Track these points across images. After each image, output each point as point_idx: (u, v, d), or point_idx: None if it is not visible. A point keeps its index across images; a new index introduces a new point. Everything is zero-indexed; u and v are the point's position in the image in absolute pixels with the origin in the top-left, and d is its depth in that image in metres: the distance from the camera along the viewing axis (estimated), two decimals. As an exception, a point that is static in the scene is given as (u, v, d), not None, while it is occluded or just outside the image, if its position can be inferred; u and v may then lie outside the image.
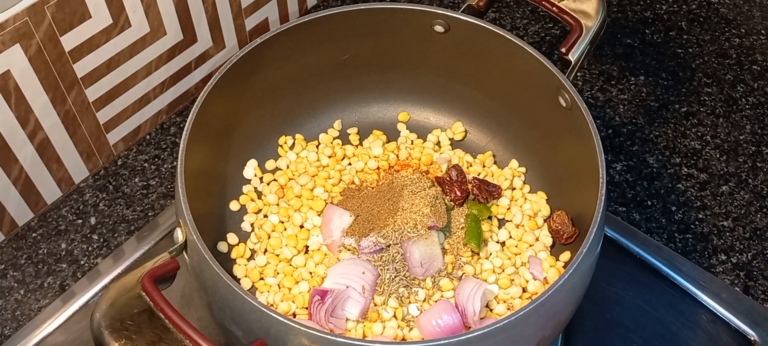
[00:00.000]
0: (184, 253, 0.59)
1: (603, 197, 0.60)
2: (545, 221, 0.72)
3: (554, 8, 0.70)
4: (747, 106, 0.87)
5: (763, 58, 0.92)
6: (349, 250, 0.69)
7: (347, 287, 0.65)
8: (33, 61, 0.67)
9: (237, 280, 0.68)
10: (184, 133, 0.62)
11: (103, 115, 0.77)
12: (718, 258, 0.75)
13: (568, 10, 0.69)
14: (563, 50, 0.67)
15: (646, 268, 0.74)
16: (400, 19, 0.71)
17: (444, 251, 0.69)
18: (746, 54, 0.92)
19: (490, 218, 0.72)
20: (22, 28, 0.65)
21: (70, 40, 0.69)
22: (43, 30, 0.67)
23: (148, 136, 0.84)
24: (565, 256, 0.69)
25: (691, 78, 0.90)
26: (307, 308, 0.65)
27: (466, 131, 0.78)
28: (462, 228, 0.70)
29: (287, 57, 0.71)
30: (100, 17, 0.70)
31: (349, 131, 0.78)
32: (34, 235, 0.76)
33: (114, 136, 0.80)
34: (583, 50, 0.67)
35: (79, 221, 0.77)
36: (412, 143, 0.78)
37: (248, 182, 0.75)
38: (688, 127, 0.86)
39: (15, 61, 0.66)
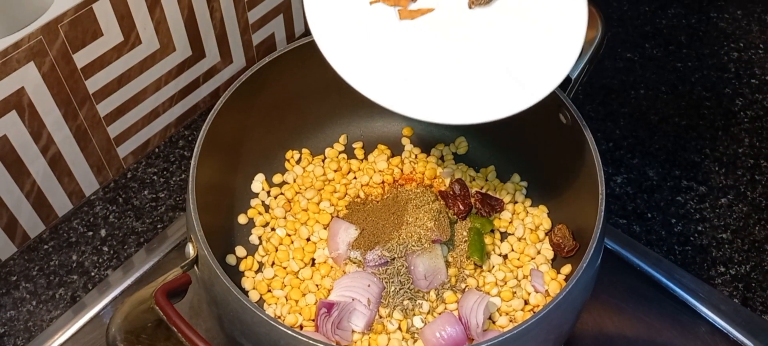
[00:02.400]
0: (194, 266, 0.60)
1: (602, 213, 0.61)
2: (547, 234, 0.73)
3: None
4: (746, 120, 0.88)
5: (761, 71, 0.93)
6: (354, 263, 0.70)
7: (353, 300, 0.66)
8: (46, 78, 0.69)
9: (245, 292, 0.70)
10: (195, 150, 0.63)
11: (114, 130, 0.79)
12: (717, 270, 0.76)
13: (568, 28, 0.70)
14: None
15: (646, 280, 0.75)
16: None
17: (447, 264, 0.70)
18: (745, 68, 0.93)
19: (492, 231, 0.73)
20: (36, 47, 0.66)
21: (82, 58, 0.71)
22: (56, 48, 0.68)
23: (157, 150, 0.85)
24: (566, 269, 0.70)
25: (691, 91, 0.91)
26: (313, 320, 0.66)
27: (468, 146, 0.79)
28: (465, 241, 0.71)
29: (294, 74, 0.72)
30: (111, 35, 0.72)
31: (354, 146, 0.79)
32: (45, 247, 0.77)
33: (124, 150, 0.82)
34: (583, 68, 0.68)
35: (90, 233, 0.79)
36: (416, 158, 0.79)
37: (256, 195, 0.76)
38: (687, 140, 0.86)
39: (29, 79, 0.67)
